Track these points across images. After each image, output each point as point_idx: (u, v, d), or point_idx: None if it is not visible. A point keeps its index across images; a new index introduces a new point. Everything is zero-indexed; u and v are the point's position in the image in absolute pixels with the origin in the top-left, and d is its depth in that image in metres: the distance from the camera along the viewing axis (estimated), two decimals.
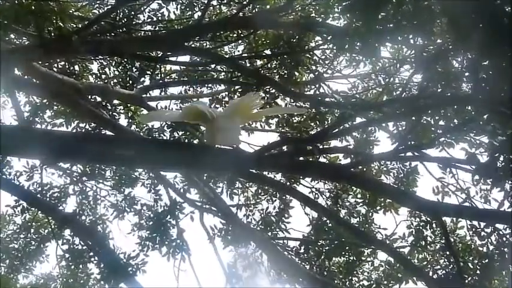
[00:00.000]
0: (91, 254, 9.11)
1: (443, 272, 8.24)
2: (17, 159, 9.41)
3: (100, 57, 9.25)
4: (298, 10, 8.36)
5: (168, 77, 9.87)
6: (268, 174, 7.39)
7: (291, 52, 8.49)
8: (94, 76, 9.58)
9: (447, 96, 5.90)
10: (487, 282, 7.64)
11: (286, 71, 8.69)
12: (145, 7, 9.07)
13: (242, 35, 8.89)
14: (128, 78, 9.32)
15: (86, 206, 9.88)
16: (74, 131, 9.15)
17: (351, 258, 8.62)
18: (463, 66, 5.80)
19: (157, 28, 9.31)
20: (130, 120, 9.63)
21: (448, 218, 8.28)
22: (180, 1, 9.30)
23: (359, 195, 8.92)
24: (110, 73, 9.65)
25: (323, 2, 8.09)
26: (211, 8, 9.30)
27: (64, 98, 7.59)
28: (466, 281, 7.41)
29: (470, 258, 8.21)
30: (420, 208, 5.64)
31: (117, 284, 6.15)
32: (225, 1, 9.26)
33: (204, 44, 9.25)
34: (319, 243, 8.63)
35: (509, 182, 5.28)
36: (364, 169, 8.57)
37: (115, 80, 9.43)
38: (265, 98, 8.78)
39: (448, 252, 7.99)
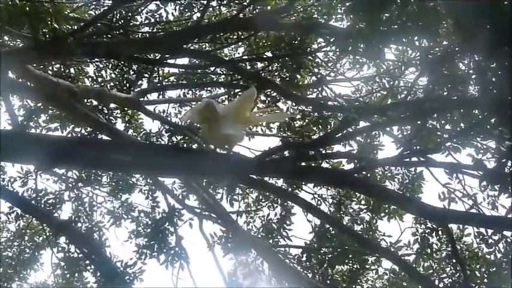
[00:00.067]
0: (87, 262, 9.09)
1: (450, 280, 8.24)
2: (10, 164, 9.42)
3: (96, 59, 9.27)
4: (300, 11, 8.38)
5: (166, 80, 9.89)
6: (269, 180, 7.41)
7: (293, 54, 8.50)
8: (90, 79, 9.61)
9: (453, 99, 5.89)
10: None
11: (287, 74, 8.68)
12: (142, 8, 9.09)
13: (242, 37, 8.90)
14: (124, 81, 9.33)
15: (81, 212, 9.87)
16: (70, 135, 9.17)
17: (355, 266, 8.60)
18: (470, 69, 5.80)
19: (155, 30, 9.32)
20: (127, 125, 9.64)
21: (454, 225, 8.29)
22: (179, 2, 9.31)
23: (363, 202, 8.92)
24: (106, 76, 9.68)
25: (325, 2, 8.10)
26: (211, 9, 9.32)
27: (59, 101, 7.59)
28: None
29: (477, 267, 8.20)
30: (426, 215, 5.63)
31: None
32: (225, 2, 9.26)
33: (203, 46, 9.26)
34: (321, 251, 8.62)
35: None
36: (368, 175, 8.55)
37: (112, 83, 9.44)
38: (266, 101, 8.78)
39: (454, 260, 7.99)
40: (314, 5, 8.35)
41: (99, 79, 9.62)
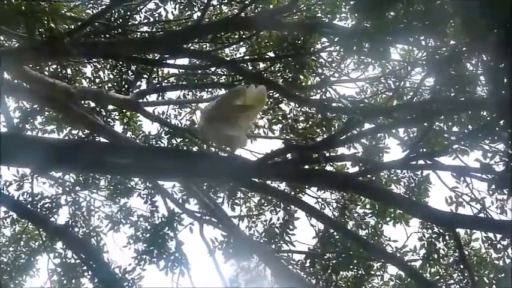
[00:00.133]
0: (84, 268, 9.09)
1: (457, 286, 8.23)
2: (6, 167, 9.40)
3: (94, 60, 9.27)
4: (303, 10, 8.38)
5: (165, 81, 9.89)
6: (271, 183, 7.38)
7: (296, 54, 8.49)
8: (87, 80, 9.61)
9: (461, 100, 5.90)
10: None
11: (290, 75, 8.68)
12: (141, 7, 9.09)
13: (244, 37, 8.91)
14: (123, 82, 9.33)
15: (79, 217, 9.87)
16: (67, 138, 9.16)
17: (360, 272, 8.59)
18: (478, 69, 5.80)
19: (154, 29, 9.32)
20: (125, 127, 9.64)
21: (462, 230, 8.28)
22: (179, 1, 9.32)
23: (368, 206, 8.92)
24: (104, 77, 9.69)
25: (329, 1, 8.10)
26: (212, 7, 9.33)
27: (56, 103, 7.59)
28: None
29: (486, 272, 8.20)
30: (432, 219, 5.64)
31: None
32: (226, 1, 9.28)
33: (204, 46, 9.27)
34: (325, 257, 8.60)
35: None
36: (373, 178, 8.54)
37: (109, 84, 9.45)
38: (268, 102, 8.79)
39: (462, 266, 8.00)
40: (317, 4, 8.36)
41: (97, 80, 9.63)
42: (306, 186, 8.63)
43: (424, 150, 6.12)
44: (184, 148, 8.97)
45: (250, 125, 5.02)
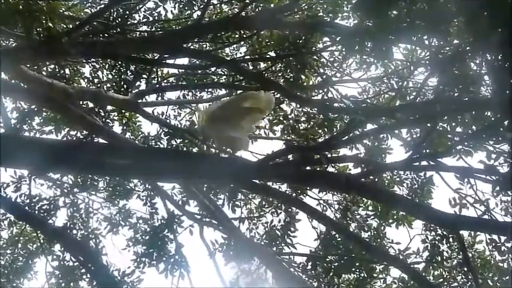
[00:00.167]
0: (83, 271, 9.09)
1: None
2: (3, 169, 9.39)
3: (92, 59, 9.26)
4: (305, 9, 8.37)
5: (165, 81, 9.88)
6: (272, 184, 7.39)
7: (297, 54, 8.49)
8: (86, 80, 9.61)
9: (465, 100, 5.90)
10: None
11: (291, 74, 8.68)
12: (140, 6, 9.09)
13: (244, 36, 8.90)
14: (122, 82, 9.33)
15: (77, 219, 9.86)
16: (65, 139, 9.16)
17: (362, 275, 8.58)
18: (482, 69, 5.79)
19: (153, 28, 9.32)
20: (124, 128, 9.64)
21: (465, 232, 8.28)
22: (178, 0, 9.32)
23: (370, 208, 8.92)
24: (103, 77, 9.69)
25: (331, 0, 8.10)
26: (212, 7, 9.33)
27: (54, 103, 7.58)
28: None
29: (490, 275, 8.19)
30: (436, 221, 5.62)
31: None
32: None
33: (204, 46, 9.26)
34: (327, 259, 8.61)
35: None
36: (376, 179, 8.55)
37: (108, 84, 9.44)
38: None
39: (465, 269, 7.99)
40: (319, 3, 8.35)
41: (95, 80, 9.63)
42: (308, 188, 8.62)
43: (427, 151, 6.12)
44: (184, 149, 8.95)
45: (252, 128, 5.03)
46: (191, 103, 9.71)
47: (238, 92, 8.65)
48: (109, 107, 9.20)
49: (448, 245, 8.57)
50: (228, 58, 9.38)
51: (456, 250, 8.47)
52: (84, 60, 9.20)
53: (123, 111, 9.42)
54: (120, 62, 9.26)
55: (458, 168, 5.73)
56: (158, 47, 7.81)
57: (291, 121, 8.99)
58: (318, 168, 5.99)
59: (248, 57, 9.17)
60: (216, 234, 8.74)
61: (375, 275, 8.66)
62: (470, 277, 7.95)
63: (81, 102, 8.40)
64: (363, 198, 8.67)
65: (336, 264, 8.53)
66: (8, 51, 7.48)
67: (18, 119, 9.49)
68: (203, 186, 8.47)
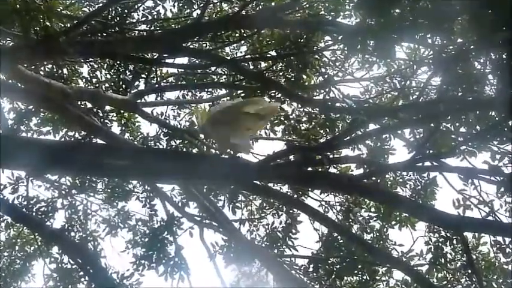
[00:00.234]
0: (81, 273, 9.08)
1: None
2: (0, 170, 9.40)
3: (91, 59, 9.26)
4: (306, 7, 8.36)
5: (164, 81, 9.88)
6: (273, 186, 7.39)
7: (298, 53, 8.48)
8: (84, 80, 9.62)
9: (468, 100, 5.90)
10: None
11: (292, 74, 8.67)
12: (139, 5, 9.09)
13: (245, 35, 8.90)
14: (120, 82, 9.33)
15: (75, 221, 9.87)
16: (63, 139, 9.16)
17: (364, 277, 8.58)
18: (486, 68, 5.79)
19: (152, 27, 9.32)
20: (123, 128, 9.64)
21: (470, 234, 8.28)
22: None
23: (372, 209, 8.91)
24: (101, 77, 9.69)
25: None
26: (211, 5, 9.32)
27: (52, 103, 7.59)
28: None
29: (494, 277, 8.19)
30: (439, 222, 5.63)
31: None
32: None
33: (204, 45, 9.26)
34: (329, 261, 8.60)
35: None
36: (378, 180, 8.55)
37: (107, 84, 9.44)
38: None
39: (470, 271, 7.99)
40: (321, 1, 8.34)
41: (94, 80, 9.63)
42: (309, 189, 8.63)
43: (431, 151, 6.12)
44: (184, 150, 8.96)
45: (252, 133, 5.02)
46: (191, 103, 9.72)
47: (239, 91, 8.68)
48: (107, 107, 9.20)
49: (452, 246, 8.57)
50: (228, 57, 9.37)
51: (460, 252, 8.47)
52: (82, 60, 9.21)
53: (122, 111, 9.42)
54: (118, 62, 9.26)
55: (462, 169, 5.72)
56: (157, 46, 7.81)
57: (292, 121, 8.99)
58: (320, 169, 5.96)
59: (248, 56, 9.15)
60: (217, 236, 8.76)
61: (377, 277, 8.65)
62: (474, 279, 7.95)
63: (79, 103, 8.39)
64: (365, 200, 8.67)
65: (338, 266, 8.53)
66: (5, 50, 7.48)
67: (16, 120, 9.50)
68: (203, 188, 8.46)
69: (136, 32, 8.96)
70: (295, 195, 8.61)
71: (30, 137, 8.77)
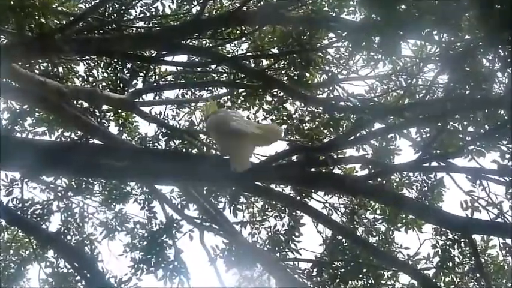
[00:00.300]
0: (77, 278, 9.08)
1: None
2: None
3: (87, 57, 9.27)
4: (309, 3, 8.36)
5: (163, 80, 9.88)
6: (276, 187, 7.38)
7: (301, 51, 8.47)
8: (80, 79, 9.62)
9: (477, 98, 5.89)
10: None
11: (295, 72, 8.65)
12: (137, 1, 9.10)
13: (246, 32, 8.90)
14: (118, 81, 9.33)
15: (71, 224, 9.86)
16: (58, 140, 9.16)
17: (369, 281, 8.57)
18: (495, 65, 5.79)
19: (151, 24, 9.32)
20: (121, 128, 9.64)
21: (478, 236, 8.28)
22: None
23: (378, 211, 8.90)
24: (98, 75, 9.69)
25: None
26: (211, 1, 9.32)
27: (47, 103, 7.59)
28: None
29: (504, 281, 8.19)
30: (447, 225, 5.61)
31: None
32: None
33: (204, 42, 9.27)
34: (333, 265, 8.60)
35: None
36: (384, 181, 8.54)
37: (104, 83, 9.44)
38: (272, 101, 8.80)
39: (478, 275, 7.98)
40: None
41: (90, 78, 9.64)
42: (313, 190, 8.62)
43: (438, 151, 6.13)
44: (183, 150, 8.95)
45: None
46: (190, 102, 9.71)
47: (240, 90, 8.68)
48: (104, 107, 9.19)
49: (460, 250, 8.56)
50: (229, 55, 9.37)
51: (468, 255, 8.46)
52: (78, 58, 9.21)
53: (119, 111, 9.42)
54: (115, 60, 9.26)
55: (470, 170, 5.71)
56: (156, 44, 7.80)
57: (294, 121, 9.00)
58: (323, 170, 5.97)
59: (250, 54, 9.16)
60: (217, 239, 8.77)
61: (383, 281, 8.64)
62: (483, 283, 7.95)
63: (75, 102, 8.40)
64: (371, 201, 8.67)
65: (343, 270, 8.52)
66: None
67: (10, 120, 9.50)
68: (203, 189, 8.46)
69: (134, 29, 8.98)
70: (298, 197, 8.60)
71: (24, 138, 8.76)
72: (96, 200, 9.98)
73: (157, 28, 9.22)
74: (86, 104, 8.85)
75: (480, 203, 7.97)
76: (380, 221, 8.88)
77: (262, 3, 8.69)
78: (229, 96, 9.43)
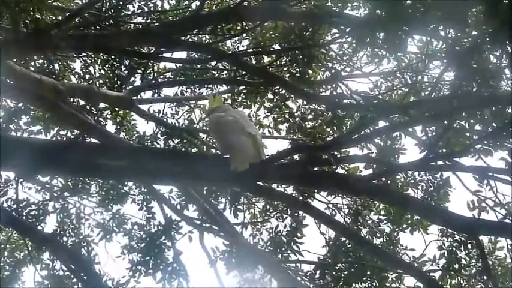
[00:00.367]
0: (74, 280, 9.08)
1: None
2: None
3: (84, 53, 9.27)
4: None
5: (161, 77, 9.87)
6: (277, 187, 7.39)
7: (304, 47, 8.48)
8: (77, 76, 9.62)
9: (484, 96, 5.89)
10: None
11: (297, 69, 8.66)
12: None
13: (247, 28, 8.90)
14: (115, 78, 9.33)
15: (68, 225, 9.85)
16: (54, 138, 9.17)
17: (374, 284, 8.57)
18: (502, 62, 5.79)
19: (149, 20, 9.32)
20: (118, 127, 9.64)
21: (485, 238, 8.28)
22: None
23: (382, 212, 8.90)
24: (94, 72, 9.69)
25: None
26: None
27: (43, 101, 7.60)
28: None
29: (511, 284, 8.18)
30: (453, 225, 5.62)
31: None
32: None
33: (203, 38, 9.26)
34: (336, 267, 8.60)
35: None
36: (388, 181, 8.55)
37: (101, 80, 9.45)
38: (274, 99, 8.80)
39: (485, 277, 7.97)
40: None
41: (87, 76, 9.64)
42: (315, 190, 8.63)
43: (444, 150, 6.13)
44: (183, 149, 8.95)
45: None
46: (190, 100, 9.72)
47: (241, 87, 8.69)
48: (101, 105, 9.20)
49: (467, 251, 8.56)
50: (230, 51, 9.38)
51: (475, 257, 8.46)
52: (74, 55, 9.21)
53: (117, 109, 9.42)
54: (113, 56, 9.26)
55: (477, 169, 5.71)
56: (154, 40, 7.81)
57: (297, 119, 9.01)
58: (326, 169, 5.97)
59: (251, 50, 9.17)
60: (217, 240, 8.76)
61: (387, 284, 8.63)
62: (490, 286, 7.95)
63: (71, 100, 8.41)
64: (375, 202, 8.67)
65: (346, 272, 8.53)
66: None
67: (4, 118, 9.50)
68: (203, 189, 8.47)
69: (132, 24, 8.96)
70: (301, 197, 8.60)
71: (19, 136, 8.79)
72: (93, 200, 9.96)
73: (156, 24, 9.22)
74: (82, 102, 8.86)
75: (487, 203, 7.97)
76: (385, 221, 8.88)
77: None
78: (229, 94, 9.43)
